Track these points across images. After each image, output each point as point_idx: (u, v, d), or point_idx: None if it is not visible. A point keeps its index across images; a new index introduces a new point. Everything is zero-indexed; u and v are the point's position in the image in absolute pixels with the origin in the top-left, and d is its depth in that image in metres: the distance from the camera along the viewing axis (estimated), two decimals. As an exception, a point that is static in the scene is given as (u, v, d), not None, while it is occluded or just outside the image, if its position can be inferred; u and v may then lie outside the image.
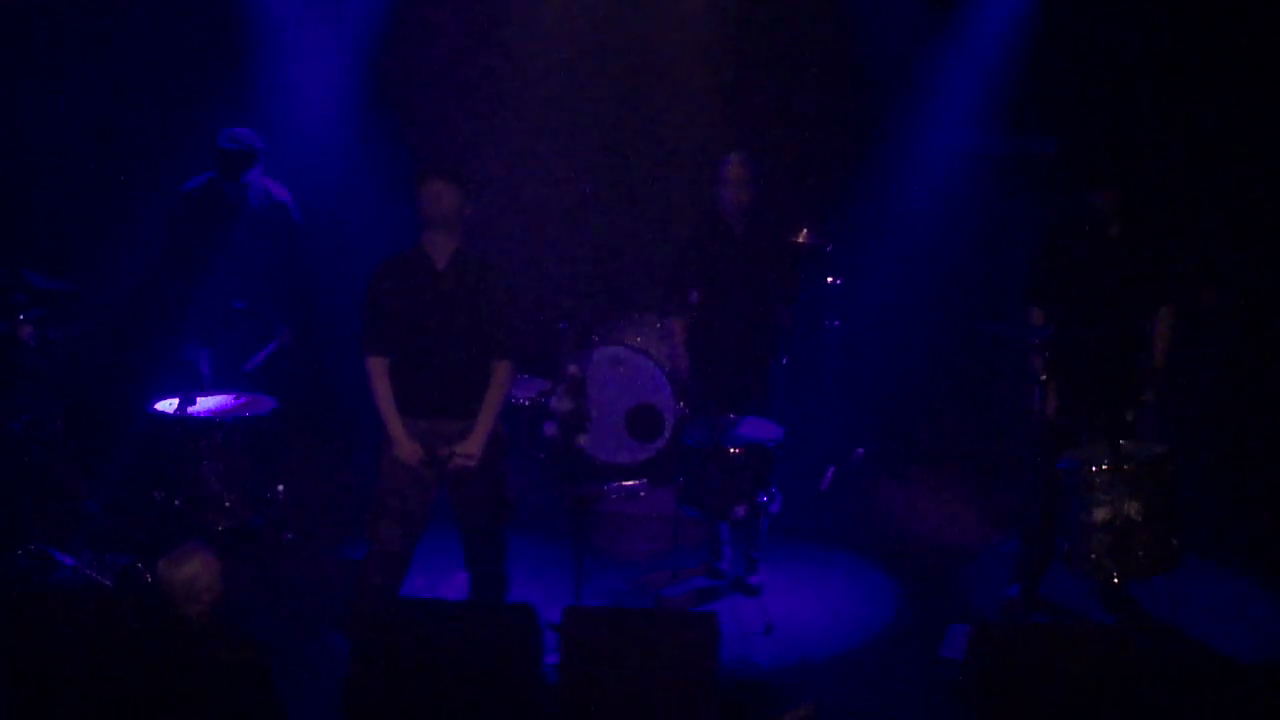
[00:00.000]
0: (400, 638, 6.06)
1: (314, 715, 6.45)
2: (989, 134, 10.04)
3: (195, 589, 5.59)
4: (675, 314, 8.21)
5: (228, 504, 7.92)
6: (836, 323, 9.88)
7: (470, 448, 6.84)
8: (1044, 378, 7.33)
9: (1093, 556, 7.01)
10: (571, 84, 10.29)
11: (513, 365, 6.96)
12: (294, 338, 8.54)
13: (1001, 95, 9.87)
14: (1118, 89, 9.57)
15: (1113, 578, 7.03)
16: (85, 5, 9.47)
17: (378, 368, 6.90)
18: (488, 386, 6.91)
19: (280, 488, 8.17)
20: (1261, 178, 9.41)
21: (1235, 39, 9.35)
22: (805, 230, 9.51)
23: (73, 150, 9.44)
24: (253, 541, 8.11)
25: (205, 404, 8.04)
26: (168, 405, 7.97)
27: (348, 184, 9.78)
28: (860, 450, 9.92)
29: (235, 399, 8.14)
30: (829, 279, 9.82)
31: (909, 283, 10.06)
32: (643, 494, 9.42)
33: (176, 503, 7.88)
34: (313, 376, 9.46)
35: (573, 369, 7.41)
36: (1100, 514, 6.97)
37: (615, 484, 9.46)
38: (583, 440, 7.36)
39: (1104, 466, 6.98)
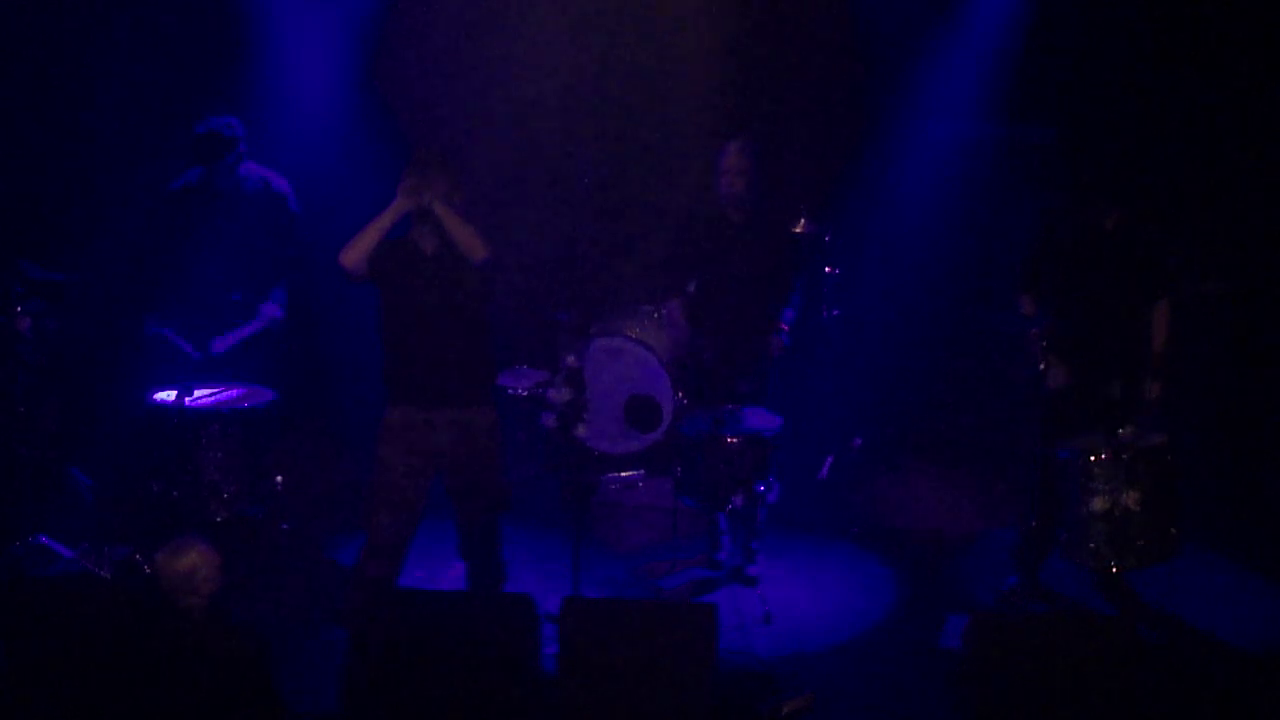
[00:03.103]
0: (398, 628, 6.07)
1: (312, 706, 6.45)
2: (988, 123, 10.03)
3: (193, 581, 5.59)
4: (672, 297, 8.21)
5: (226, 495, 7.92)
6: (835, 312, 9.87)
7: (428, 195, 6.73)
8: (1043, 366, 7.33)
9: (1091, 546, 7.01)
10: (569, 74, 10.26)
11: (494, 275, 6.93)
12: (283, 322, 8.48)
13: (1000, 84, 9.86)
14: (1117, 78, 9.56)
15: (1111, 567, 7.04)
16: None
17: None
18: (482, 378, 6.94)
19: (278, 479, 8.16)
20: (1261, 167, 9.40)
21: (1235, 29, 9.33)
22: (803, 219, 9.50)
23: (70, 142, 9.43)
24: (251, 532, 8.10)
25: (203, 395, 8.03)
26: (166, 396, 7.96)
27: (346, 177, 9.75)
28: (858, 440, 9.91)
29: (233, 390, 8.13)
30: (827, 268, 9.81)
31: (907, 272, 10.05)
32: (641, 485, 9.41)
33: (174, 494, 7.88)
34: (310, 368, 9.45)
35: (570, 360, 7.38)
36: (1099, 503, 6.97)
37: (613, 475, 9.46)
38: (581, 431, 7.33)
39: (1102, 456, 6.98)
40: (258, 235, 8.40)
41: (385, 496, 6.91)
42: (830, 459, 9.66)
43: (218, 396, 8.07)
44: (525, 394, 9.37)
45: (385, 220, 6.77)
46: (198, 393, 8.00)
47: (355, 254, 6.79)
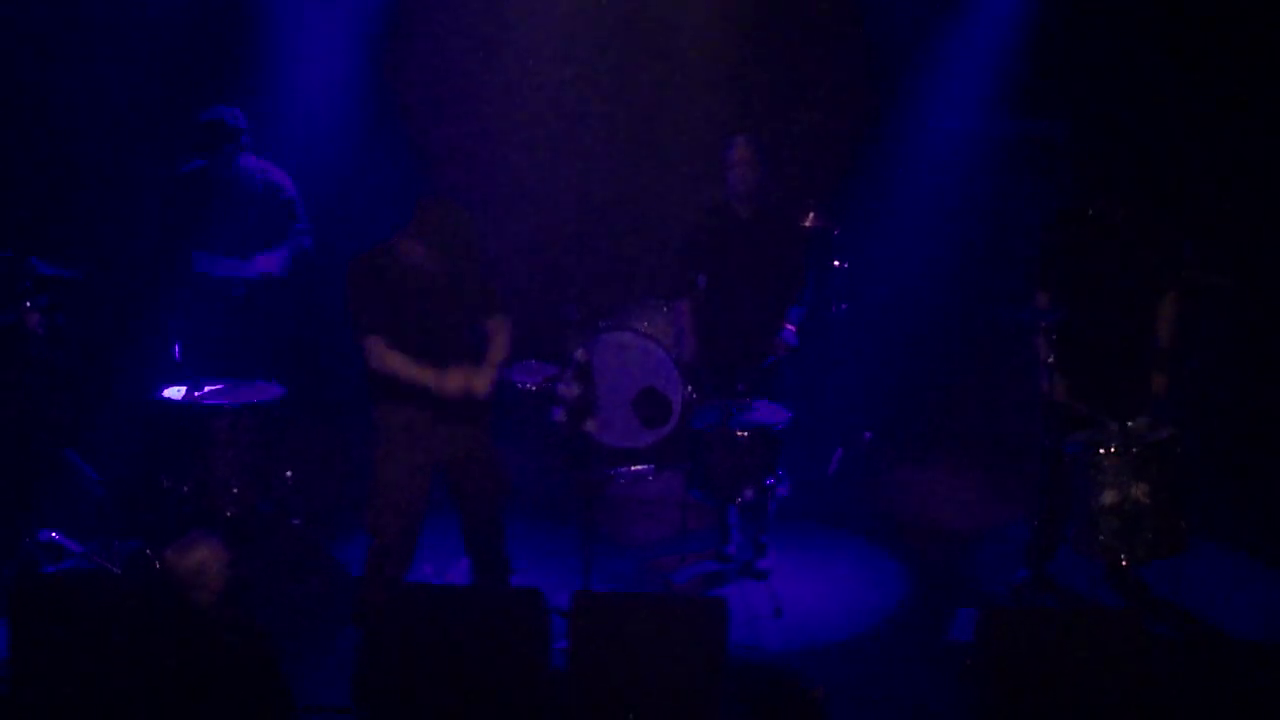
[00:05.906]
0: (408, 624, 6.07)
1: (322, 700, 6.46)
2: (997, 116, 10.01)
3: (202, 577, 5.59)
4: (682, 295, 8.22)
5: (235, 490, 7.93)
6: (844, 306, 9.87)
7: (478, 383, 6.73)
8: (1050, 360, 7.33)
9: (1101, 539, 7.00)
10: (578, 69, 10.26)
11: (508, 320, 6.92)
12: (277, 277, 8.48)
13: (1010, 78, 9.84)
14: (1127, 72, 9.54)
15: (1121, 560, 7.03)
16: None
17: (378, 345, 6.73)
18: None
19: (288, 474, 8.17)
20: (1272, 160, 9.38)
21: (1246, 21, 9.31)
22: (812, 214, 9.50)
23: (78, 138, 9.43)
24: (260, 528, 8.10)
25: (213, 390, 8.04)
26: (175, 392, 7.97)
27: (353, 173, 9.76)
28: (868, 433, 9.91)
29: (243, 386, 8.13)
30: (836, 263, 9.80)
31: (916, 266, 10.04)
32: (650, 479, 9.41)
33: (184, 489, 7.89)
34: (319, 362, 9.45)
35: (580, 354, 7.39)
36: (1108, 497, 6.96)
37: (623, 469, 9.46)
38: (590, 425, 7.34)
39: (1111, 450, 6.97)
40: (255, 226, 8.41)
41: (389, 496, 6.88)
42: (840, 453, 9.66)
43: (227, 392, 8.08)
44: (534, 389, 9.38)
45: (417, 378, 6.68)
46: (207, 388, 8.01)
47: (377, 365, 6.76)
